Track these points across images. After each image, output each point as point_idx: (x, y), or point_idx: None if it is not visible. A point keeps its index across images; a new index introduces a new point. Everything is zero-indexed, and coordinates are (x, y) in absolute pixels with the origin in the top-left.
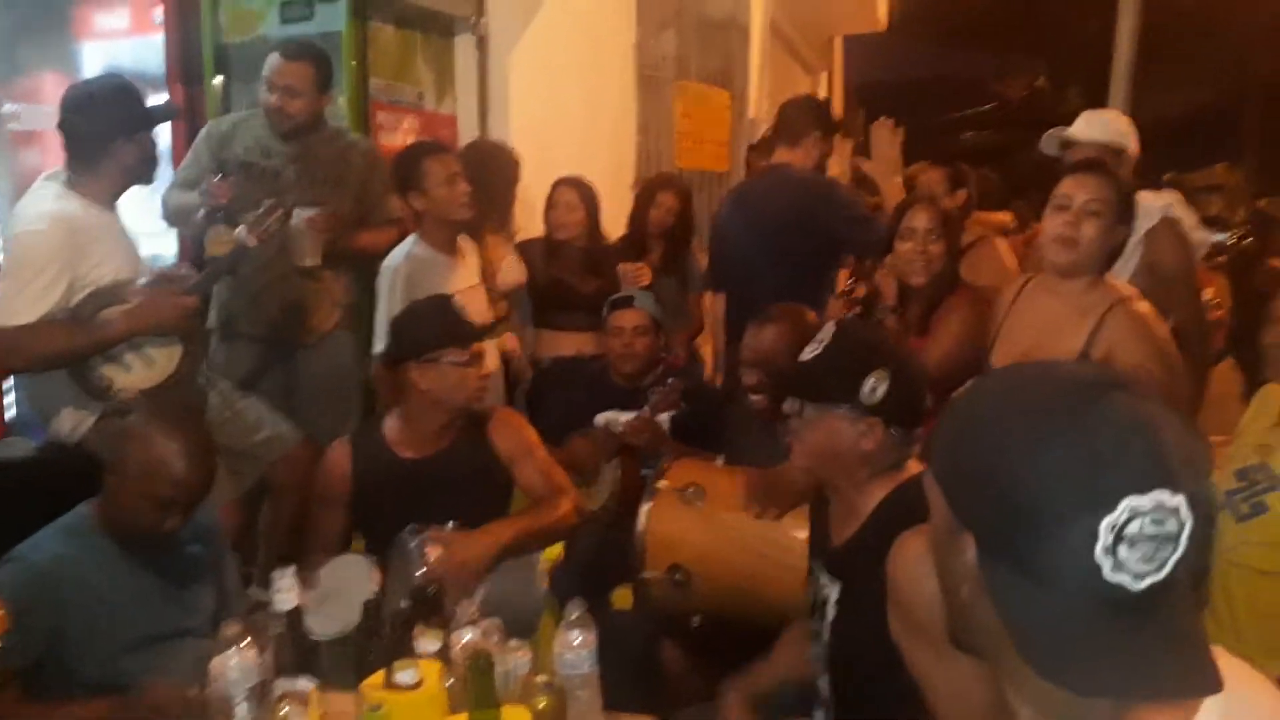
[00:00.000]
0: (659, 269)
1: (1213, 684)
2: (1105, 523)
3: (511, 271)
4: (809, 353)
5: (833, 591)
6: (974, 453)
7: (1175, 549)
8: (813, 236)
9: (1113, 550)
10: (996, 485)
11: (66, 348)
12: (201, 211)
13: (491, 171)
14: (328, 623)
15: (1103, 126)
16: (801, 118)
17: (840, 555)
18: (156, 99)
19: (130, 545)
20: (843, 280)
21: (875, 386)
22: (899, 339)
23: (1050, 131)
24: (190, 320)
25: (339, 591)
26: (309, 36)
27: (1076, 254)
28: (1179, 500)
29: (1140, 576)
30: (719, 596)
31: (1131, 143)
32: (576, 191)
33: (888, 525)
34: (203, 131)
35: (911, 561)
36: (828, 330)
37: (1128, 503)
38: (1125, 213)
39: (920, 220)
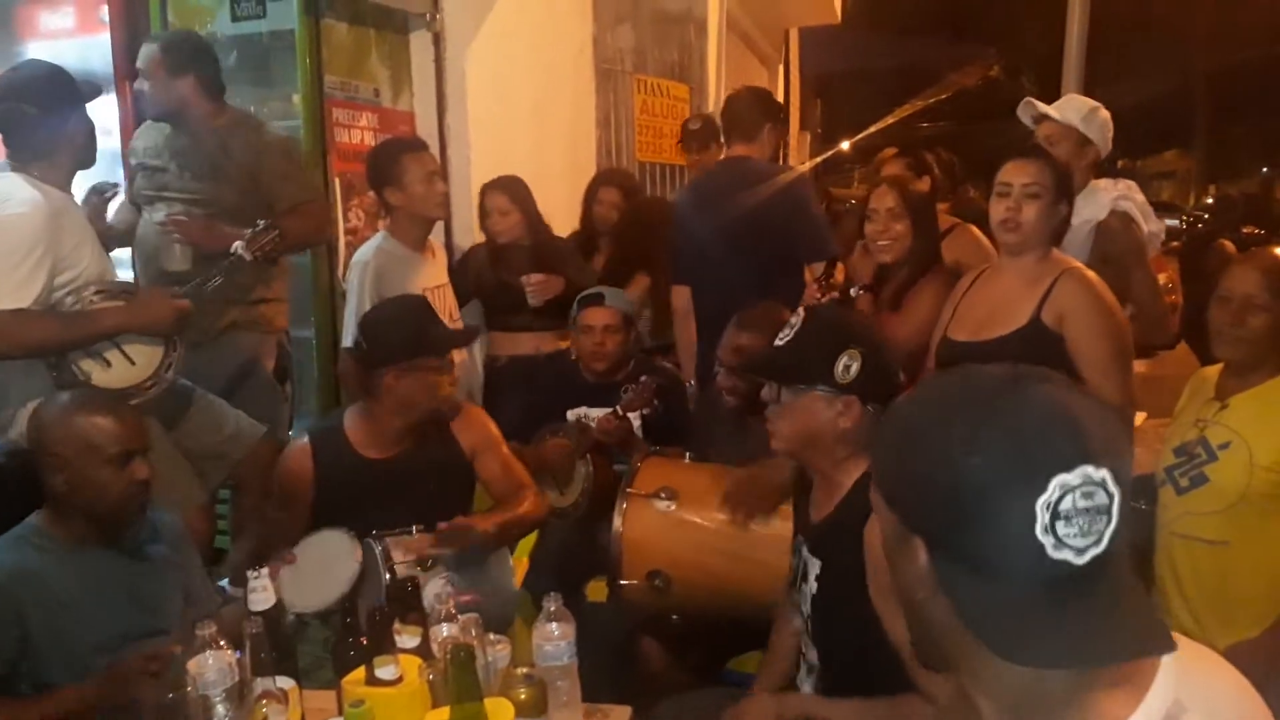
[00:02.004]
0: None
1: (1166, 643)
2: (1040, 503)
3: None
4: (782, 339)
5: (813, 565)
6: (911, 460)
7: (1109, 520)
8: (776, 232)
9: (1051, 529)
10: (937, 487)
11: (58, 337)
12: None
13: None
14: (309, 598)
15: (1074, 112)
16: (752, 112)
17: (820, 532)
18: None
19: (90, 548)
20: (811, 273)
21: (848, 365)
22: (871, 316)
23: (1026, 100)
24: (182, 323)
25: (320, 568)
26: (260, 34)
27: (1021, 234)
28: (1104, 474)
29: (1081, 551)
30: (698, 597)
31: (1097, 134)
32: (505, 194)
33: (865, 501)
34: None
35: None
36: (798, 316)
37: (1057, 481)
38: (1063, 191)
39: (883, 201)
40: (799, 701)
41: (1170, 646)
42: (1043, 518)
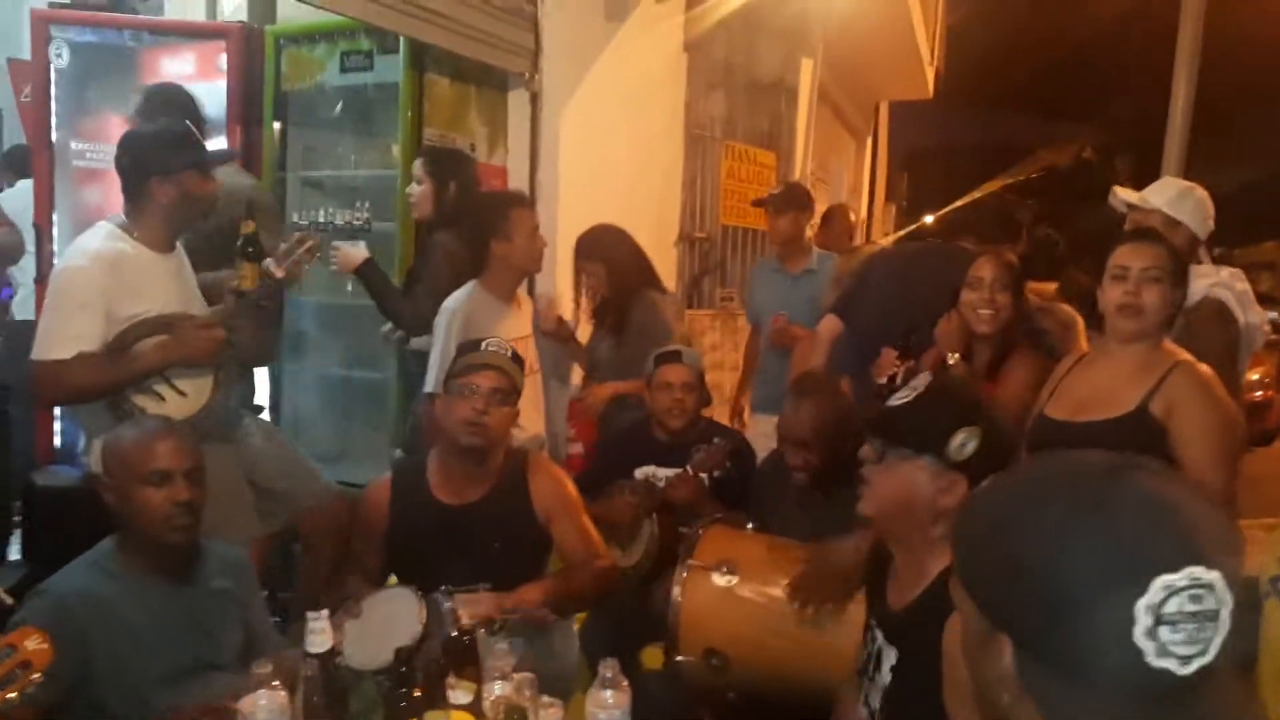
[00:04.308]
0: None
1: None
2: (1141, 604)
3: None
4: (900, 398)
5: (889, 655)
6: (999, 550)
7: (1218, 628)
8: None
9: (1153, 633)
10: (1026, 580)
11: (102, 380)
12: None
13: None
14: (368, 655)
15: (1159, 195)
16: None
17: (900, 620)
18: (214, 143)
19: (155, 578)
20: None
21: (965, 442)
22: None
23: (1117, 189)
24: (219, 353)
25: (384, 624)
26: (366, 85)
27: (1142, 320)
28: (1214, 576)
29: (1186, 660)
30: (756, 678)
31: (1188, 215)
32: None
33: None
34: None
35: None
36: (923, 379)
37: (1160, 581)
38: (1181, 276)
39: (987, 270)
40: None
41: None
42: (1144, 621)
